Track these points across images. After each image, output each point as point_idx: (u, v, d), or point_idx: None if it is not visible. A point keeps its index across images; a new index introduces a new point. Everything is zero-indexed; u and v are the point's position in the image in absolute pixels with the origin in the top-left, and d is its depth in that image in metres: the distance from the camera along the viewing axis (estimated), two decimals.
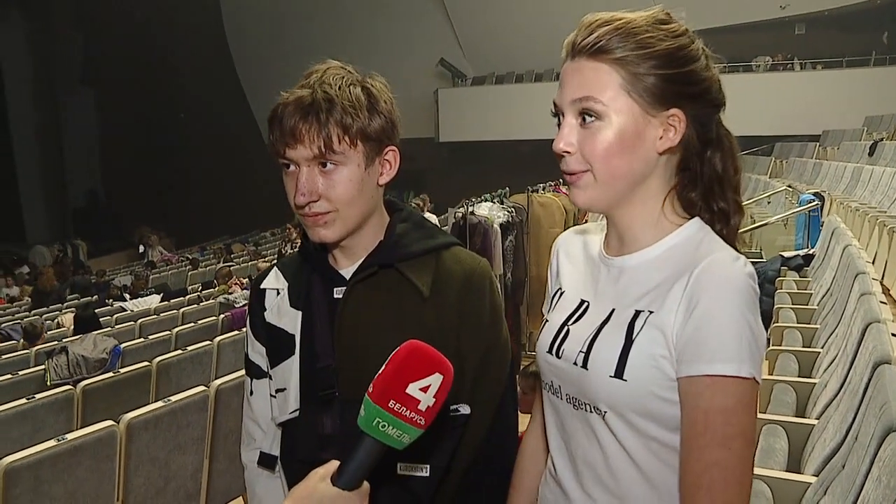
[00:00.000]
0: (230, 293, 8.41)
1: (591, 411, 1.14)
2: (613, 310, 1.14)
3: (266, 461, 1.47)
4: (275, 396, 1.45)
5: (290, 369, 1.40)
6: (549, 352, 1.21)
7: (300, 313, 1.41)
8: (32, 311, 11.35)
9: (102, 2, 23.11)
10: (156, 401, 3.85)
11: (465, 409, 1.35)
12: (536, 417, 1.37)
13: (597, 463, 1.15)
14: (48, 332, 8.20)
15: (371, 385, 1.03)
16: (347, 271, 1.40)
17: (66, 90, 24.69)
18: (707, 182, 1.16)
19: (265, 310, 1.47)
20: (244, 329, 1.93)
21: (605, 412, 1.12)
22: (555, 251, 1.35)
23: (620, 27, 1.10)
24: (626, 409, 1.10)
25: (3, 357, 6.74)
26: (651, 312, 1.09)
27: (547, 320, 1.27)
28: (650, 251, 1.15)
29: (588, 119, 1.10)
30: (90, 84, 24.98)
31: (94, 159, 25.60)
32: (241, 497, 3.95)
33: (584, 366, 1.13)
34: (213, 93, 23.13)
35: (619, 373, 1.09)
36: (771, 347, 4.15)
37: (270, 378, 1.47)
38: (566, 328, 1.20)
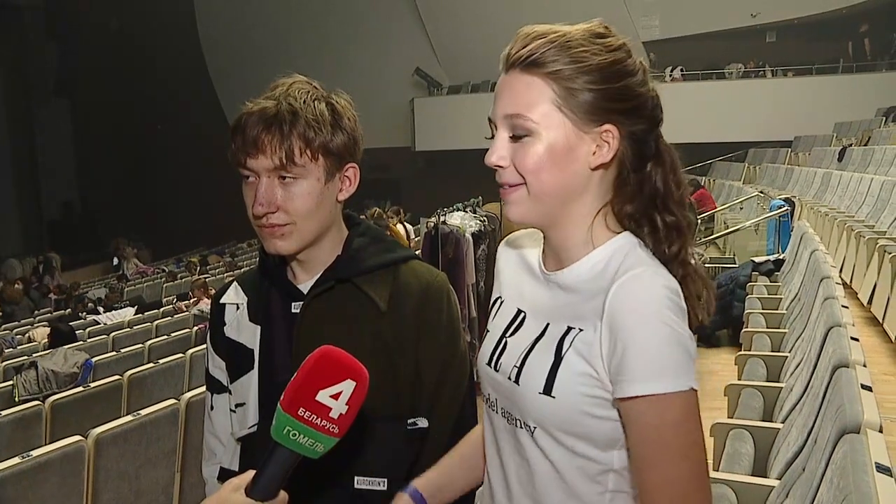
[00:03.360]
0: (202, 306, 8.38)
1: (521, 427, 1.14)
2: (548, 325, 1.14)
3: (226, 476, 1.45)
4: (234, 411, 1.44)
5: (250, 384, 1.40)
6: (488, 364, 1.21)
7: (259, 328, 1.41)
8: (2, 326, 11.21)
9: (76, 13, 22.96)
10: (126, 414, 3.81)
11: (422, 423, 1.36)
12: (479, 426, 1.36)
13: (525, 479, 1.15)
14: (18, 347, 8.12)
15: (282, 394, 1.03)
16: (305, 286, 1.40)
17: (39, 101, 24.41)
18: (649, 197, 1.14)
19: (225, 324, 1.47)
20: None
21: (535, 428, 1.12)
22: (499, 256, 1.34)
23: (555, 40, 1.08)
24: (554, 427, 1.10)
25: None
26: (581, 330, 1.08)
27: (488, 330, 1.26)
28: (580, 266, 1.13)
29: (519, 134, 1.09)
30: (64, 95, 24.78)
31: (70, 171, 25.33)
32: None
33: (517, 381, 1.13)
34: (189, 104, 23.02)
35: (547, 389, 1.08)
36: (740, 352, 4.21)
37: (230, 393, 1.46)
38: (504, 340, 1.20)
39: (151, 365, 5.40)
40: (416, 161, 20.79)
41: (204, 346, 1.53)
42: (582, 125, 1.08)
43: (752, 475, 2.60)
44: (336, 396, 1.02)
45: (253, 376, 1.39)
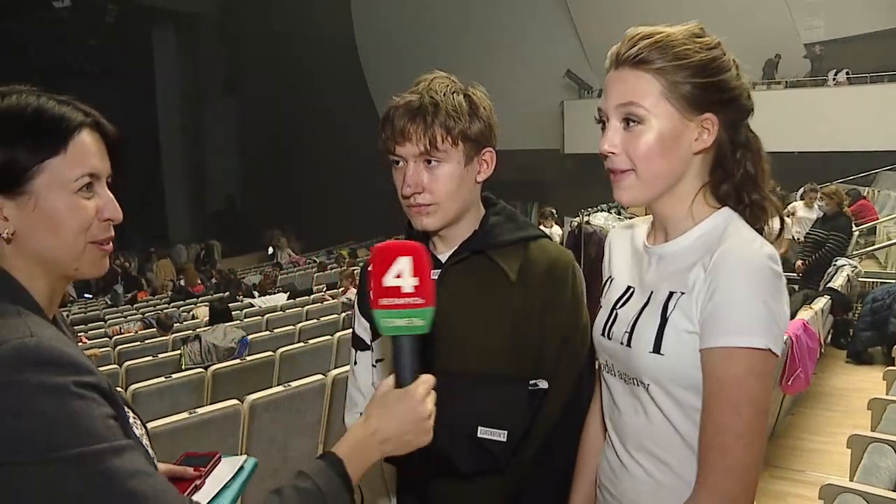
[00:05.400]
0: (350, 295, 8.77)
1: (637, 385, 1.28)
2: (652, 293, 1.28)
3: None
4: (375, 366, 1.62)
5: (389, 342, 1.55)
6: (602, 334, 1.36)
7: None
8: (171, 304, 12.13)
9: (245, 19, 24.40)
10: (277, 386, 4.10)
11: (542, 385, 1.47)
12: (596, 399, 1.50)
13: (642, 431, 1.29)
14: (184, 323, 8.78)
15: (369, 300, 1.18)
16: (444, 256, 1.55)
17: (209, 100, 26.24)
18: (740, 178, 1.27)
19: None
20: None
21: (649, 385, 1.26)
22: (608, 244, 1.49)
23: (659, 40, 1.22)
24: (666, 381, 1.23)
25: (146, 342, 7.30)
26: (682, 293, 1.21)
27: (601, 306, 1.41)
28: (683, 239, 1.27)
29: (631, 123, 1.23)
30: (231, 95, 26.45)
31: (232, 165, 26.99)
32: None
33: (629, 344, 1.27)
34: (344, 103, 23.90)
35: (656, 348, 1.22)
36: (889, 367, 4.01)
37: (372, 350, 1.64)
38: (615, 312, 1.35)
39: (301, 344, 5.74)
40: (564, 163, 20.66)
41: (350, 330, 1.71)
42: (686, 114, 1.22)
43: (893, 490, 2.51)
44: (399, 275, 1.15)
45: None
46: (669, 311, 1.22)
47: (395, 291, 1.15)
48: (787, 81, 16.93)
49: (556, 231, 9.77)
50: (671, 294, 1.23)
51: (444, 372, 1.28)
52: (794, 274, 7.27)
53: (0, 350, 0.92)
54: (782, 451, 4.48)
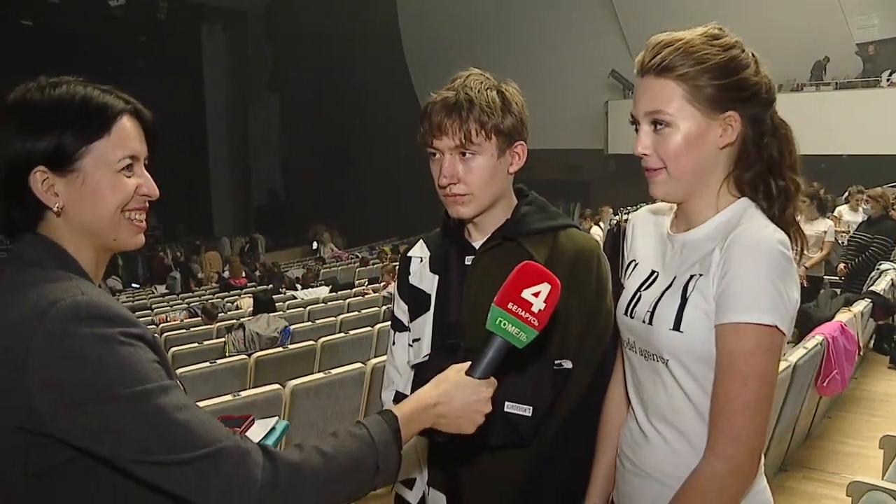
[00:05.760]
0: (391, 289, 8.90)
1: (657, 360, 1.39)
2: (675, 277, 1.38)
3: (400, 399, 1.72)
4: (412, 345, 1.73)
5: (426, 322, 1.69)
6: (625, 314, 1.47)
7: (437, 277, 1.70)
8: (216, 295, 12.40)
9: (291, 16, 24.71)
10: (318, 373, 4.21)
11: (567, 364, 1.58)
12: (618, 373, 1.60)
13: (662, 403, 1.40)
14: (228, 312, 8.99)
15: (496, 295, 1.30)
16: (478, 243, 1.67)
17: (254, 96, 26.63)
18: (766, 164, 1.36)
19: (409, 273, 1.77)
20: None
21: (668, 360, 1.36)
22: (630, 226, 1.60)
23: (679, 47, 1.32)
24: (684, 356, 1.34)
25: (191, 330, 7.51)
26: (701, 275, 1.32)
27: (624, 287, 1.52)
28: (704, 227, 1.38)
29: (659, 126, 1.34)
30: (275, 91, 26.80)
31: (276, 161, 27.37)
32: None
33: (650, 322, 1.38)
34: (388, 101, 24.05)
35: (676, 326, 1.33)
36: None
37: (409, 330, 1.75)
38: (638, 294, 1.45)
39: (342, 335, 5.86)
40: (607, 163, 20.55)
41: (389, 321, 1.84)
42: (709, 114, 1.32)
43: None
44: (536, 294, 1.30)
45: (428, 316, 1.69)
46: (689, 291, 1.33)
47: (525, 304, 1.30)
48: (836, 82, 16.61)
49: (595, 231, 9.77)
50: (691, 277, 1.34)
51: (475, 351, 1.38)
52: (837, 277, 7.19)
53: (57, 307, 1.04)
54: (818, 454, 4.47)
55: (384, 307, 7.59)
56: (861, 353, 5.33)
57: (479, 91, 1.55)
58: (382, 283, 9.75)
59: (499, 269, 1.57)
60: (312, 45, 24.62)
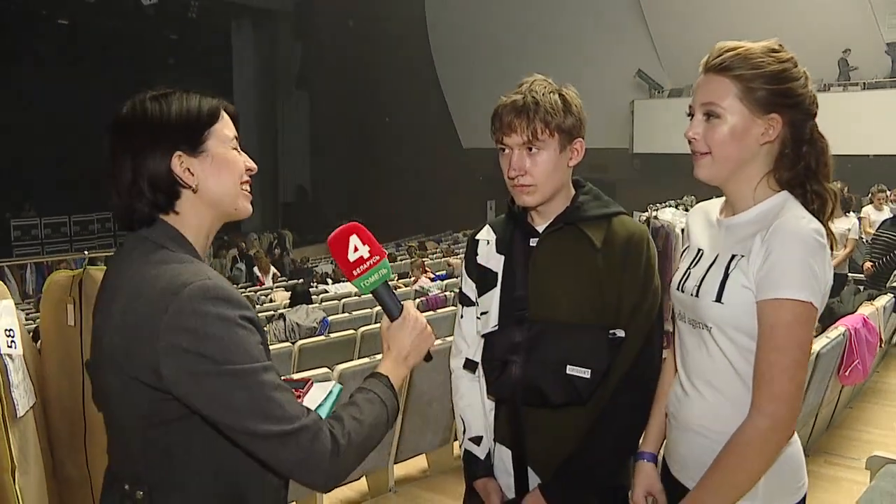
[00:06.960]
0: (422, 283, 9.14)
1: (702, 328, 1.61)
2: (718, 255, 1.60)
3: (469, 365, 2.00)
4: (479, 318, 1.96)
5: (493, 297, 1.91)
6: (677, 289, 1.70)
7: (503, 257, 1.93)
8: (248, 289, 12.66)
9: (319, 15, 25.01)
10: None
11: (620, 333, 1.80)
12: (674, 346, 1.81)
13: (704, 366, 1.62)
14: (263, 306, 9.23)
15: (346, 275, 1.55)
16: (540, 227, 1.90)
17: (282, 95, 26.98)
18: (803, 170, 1.56)
19: (477, 254, 2.00)
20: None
21: (711, 328, 1.58)
22: (688, 220, 1.81)
23: (741, 53, 1.54)
24: (725, 325, 1.55)
25: None
26: (742, 256, 1.53)
27: (677, 267, 1.75)
28: (747, 214, 1.59)
29: (711, 117, 1.56)
30: (304, 88, 27.14)
31: (304, 158, 27.67)
32: (423, 455, 4.46)
33: (696, 294, 1.60)
34: (415, 100, 24.29)
35: (718, 298, 1.55)
36: None
37: (477, 305, 1.98)
38: (689, 271, 1.67)
39: (379, 324, 6.05)
40: (632, 163, 20.64)
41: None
42: (756, 113, 1.53)
43: None
44: (356, 249, 1.53)
45: (496, 292, 1.92)
46: (731, 269, 1.54)
47: (360, 261, 1.53)
48: (864, 83, 16.61)
49: None
50: (733, 256, 1.55)
51: (538, 321, 1.73)
52: (862, 275, 7.29)
53: (190, 287, 1.24)
54: (840, 441, 4.65)
55: (417, 300, 7.80)
56: (883, 347, 5.47)
57: (543, 94, 1.79)
58: (412, 279, 9.96)
59: (561, 249, 1.85)
60: (341, 43, 24.91)
